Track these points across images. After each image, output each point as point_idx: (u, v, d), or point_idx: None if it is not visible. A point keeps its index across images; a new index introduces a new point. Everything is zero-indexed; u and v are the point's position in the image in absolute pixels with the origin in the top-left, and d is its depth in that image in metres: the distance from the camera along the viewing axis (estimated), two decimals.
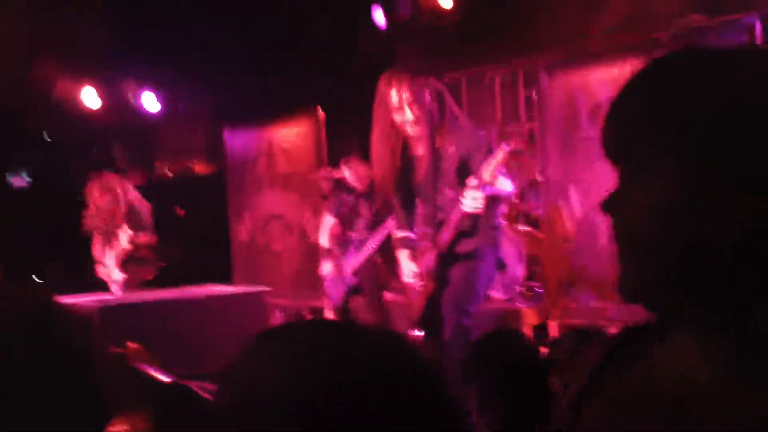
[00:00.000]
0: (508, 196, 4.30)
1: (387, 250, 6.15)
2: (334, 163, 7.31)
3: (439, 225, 4.25)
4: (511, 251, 6.65)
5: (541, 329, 6.43)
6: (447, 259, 4.26)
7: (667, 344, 0.94)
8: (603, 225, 6.08)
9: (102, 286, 7.20)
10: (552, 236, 6.48)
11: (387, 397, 0.77)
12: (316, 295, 7.69)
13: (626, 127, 0.96)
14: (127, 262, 7.31)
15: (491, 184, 4.02)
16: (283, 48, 8.95)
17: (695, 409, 0.86)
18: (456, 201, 4.09)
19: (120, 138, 9.98)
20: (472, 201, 3.99)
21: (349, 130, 7.12)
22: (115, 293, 7.07)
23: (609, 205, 0.96)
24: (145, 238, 7.28)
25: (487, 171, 3.95)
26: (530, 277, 6.88)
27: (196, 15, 8.72)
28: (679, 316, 0.92)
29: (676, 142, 0.90)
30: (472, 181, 4.00)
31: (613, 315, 5.92)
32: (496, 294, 6.80)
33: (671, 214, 0.90)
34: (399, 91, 4.12)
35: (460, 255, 4.24)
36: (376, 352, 0.81)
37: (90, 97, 9.15)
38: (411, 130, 4.21)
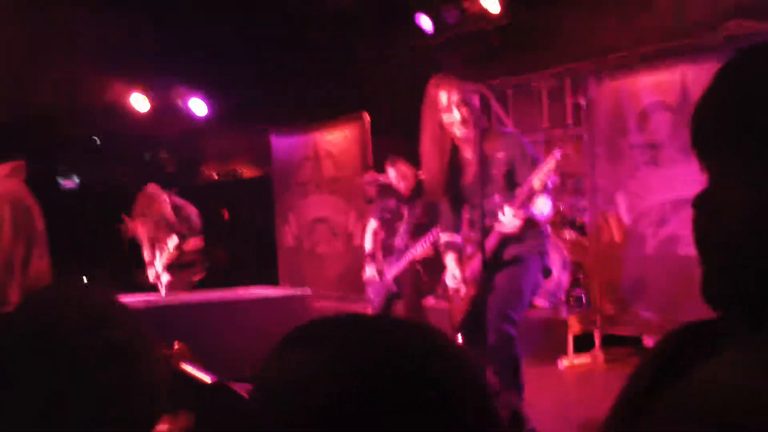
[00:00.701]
0: (545, 220, 4.23)
1: (431, 256, 6.16)
2: (380, 168, 7.33)
3: (485, 230, 4.22)
4: (555, 258, 6.60)
5: (584, 338, 6.37)
6: (492, 265, 4.23)
7: (737, 355, 0.85)
8: (649, 233, 6.04)
9: (150, 289, 7.32)
10: (598, 244, 6.40)
11: (418, 395, 0.75)
12: (360, 299, 7.71)
13: (717, 123, 0.90)
14: (174, 265, 7.46)
15: (540, 192, 3.98)
16: (329, 53, 9.00)
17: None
18: (502, 206, 4.08)
19: (168, 142, 10.12)
20: (510, 221, 3.99)
21: (394, 135, 7.13)
22: (163, 295, 7.20)
23: (699, 204, 0.91)
24: (192, 243, 7.45)
25: (537, 179, 3.92)
26: (575, 284, 6.82)
27: (244, 22, 8.82)
28: (758, 326, 0.85)
29: None
30: (519, 193, 3.98)
31: (659, 324, 5.85)
32: (540, 302, 6.76)
33: (765, 216, 0.83)
34: (448, 93, 4.12)
35: (505, 261, 4.21)
36: (411, 347, 0.79)
37: (139, 102, 9.31)
38: (459, 132, 4.19)
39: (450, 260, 4.41)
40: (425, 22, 8.62)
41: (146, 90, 9.25)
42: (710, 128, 0.90)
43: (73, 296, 1.31)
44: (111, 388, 1.22)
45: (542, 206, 4.07)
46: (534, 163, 4.03)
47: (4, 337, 1.25)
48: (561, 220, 7.21)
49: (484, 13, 8.18)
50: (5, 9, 7.55)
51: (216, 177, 11.35)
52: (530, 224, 4.14)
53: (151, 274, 7.53)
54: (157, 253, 7.51)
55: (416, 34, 8.75)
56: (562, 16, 7.61)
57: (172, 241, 7.27)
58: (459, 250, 4.40)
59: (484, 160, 4.18)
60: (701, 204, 0.90)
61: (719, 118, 0.89)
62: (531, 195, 3.99)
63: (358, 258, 7.82)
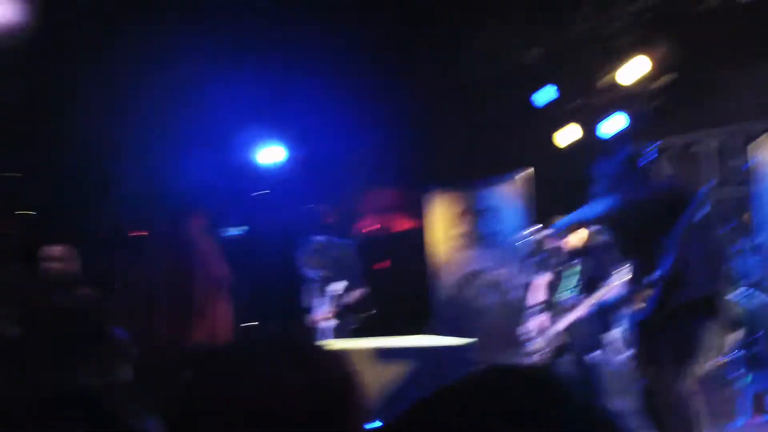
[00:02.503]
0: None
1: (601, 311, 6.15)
2: (543, 222, 7.39)
3: (659, 283, 4.21)
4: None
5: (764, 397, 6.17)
6: (662, 310, 4.18)
7: None
8: None
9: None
10: None
11: None
12: (516, 354, 7.72)
13: None
14: (339, 310, 7.77)
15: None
16: (493, 108, 9.18)
17: None
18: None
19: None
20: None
21: (557, 190, 7.19)
22: (326, 338, 7.47)
23: None
24: (357, 292, 7.79)
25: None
26: (753, 341, 6.62)
27: (404, 74, 9.14)
28: None
29: None
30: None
31: None
32: (715, 358, 6.59)
33: None
34: (616, 162, 4.20)
35: (678, 308, 4.17)
36: (554, 405, 0.78)
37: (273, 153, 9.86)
38: (633, 194, 4.25)
39: (624, 312, 4.42)
40: (541, 98, 8.75)
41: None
42: None
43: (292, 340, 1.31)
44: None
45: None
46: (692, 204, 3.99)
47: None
48: (733, 278, 7.04)
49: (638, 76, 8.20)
50: None
51: (373, 230, 11.63)
52: (701, 267, 4.11)
53: (316, 318, 7.86)
54: (323, 301, 7.85)
55: (576, 89, 8.85)
56: (725, 77, 7.55)
57: (341, 285, 7.59)
58: (637, 302, 4.39)
59: (667, 219, 4.21)
60: None
61: None
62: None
63: (515, 312, 7.85)
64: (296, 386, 1.19)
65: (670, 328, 4.18)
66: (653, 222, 4.27)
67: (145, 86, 8.13)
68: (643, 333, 4.28)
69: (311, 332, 7.58)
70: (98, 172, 8.54)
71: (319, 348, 1.31)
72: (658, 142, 4.46)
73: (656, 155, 4.37)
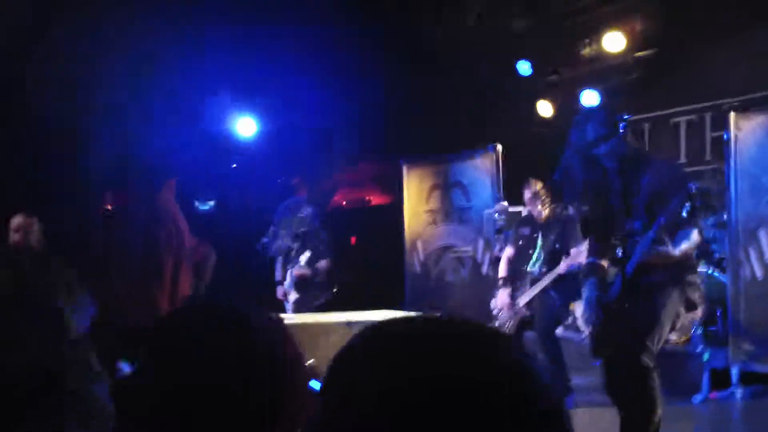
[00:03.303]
0: (685, 251, 4.15)
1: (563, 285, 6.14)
2: (510, 199, 7.38)
3: (625, 257, 4.18)
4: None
5: (722, 374, 6.19)
6: (629, 292, 4.18)
7: None
8: None
9: (276, 308, 7.52)
10: (737, 279, 6.23)
11: (464, 394, 0.74)
12: None
13: None
14: (303, 284, 7.69)
15: (681, 223, 3.94)
16: (465, 85, 9.13)
17: None
18: (643, 235, 4.04)
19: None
20: (649, 245, 3.95)
21: (526, 167, 7.16)
22: (289, 313, 7.41)
23: None
24: (324, 264, 7.69)
25: (677, 212, 3.87)
26: (712, 320, 6.64)
27: (379, 52, 9.08)
28: None
29: None
30: (658, 221, 3.94)
31: None
32: (673, 336, 6.61)
33: None
34: (596, 126, 4.16)
35: (643, 289, 4.16)
36: (468, 348, 0.78)
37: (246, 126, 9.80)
38: (607, 163, 4.22)
39: (588, 284, 4.39)
40: (523, 69, 8.71)
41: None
42: None
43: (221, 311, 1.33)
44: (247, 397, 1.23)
45: (682, 237, 4.02)
46: (681, 192, 3.97)
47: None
48: (698, 254, 7.04)
49: (618, 50, 8.17)
50: None
51: (345, 204, 11.61)
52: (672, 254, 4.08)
53: (279, 292, 7.80)
54: (288, 273, 7.78)
55: (553, 67, 8.80)
56: (705, 51, 7.52)
57: (305, 256, 7.51)
58: (600, 274, 4.35)
59: (629, 186, 4.18)
60: None
61: None
62: (673, 225, 3.94)
63: (484, 287, 7.84)
64: (233, 360, 1.23)
65: (632, 304, 4.17)
66: (629, 197, 4.24)
67: (116, 54, 8.05)
68: (605, 310, 4.25)
69: (267, 306, 7.52)
70: (68, 141, 8.46)
71: (266, 323, 1.33)
72: (628, 117, 4.38)
73: (625, 129, 4.30)
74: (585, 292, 4.38)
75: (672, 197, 3.90)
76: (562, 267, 5.95)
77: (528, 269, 6.41)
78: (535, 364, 0.81)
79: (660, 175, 4.10)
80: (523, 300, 6.36)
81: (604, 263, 4.31)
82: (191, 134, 9.10)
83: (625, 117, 4.29)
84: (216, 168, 10.17)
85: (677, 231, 4.02)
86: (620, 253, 4.17)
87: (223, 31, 8.69)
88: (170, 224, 6.12)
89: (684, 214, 3.83)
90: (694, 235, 4.10)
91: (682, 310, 4.23)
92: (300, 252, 7.67)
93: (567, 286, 5.99)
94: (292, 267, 7.70)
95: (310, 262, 7.61)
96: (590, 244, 4.49)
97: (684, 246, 4.03)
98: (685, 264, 4.20)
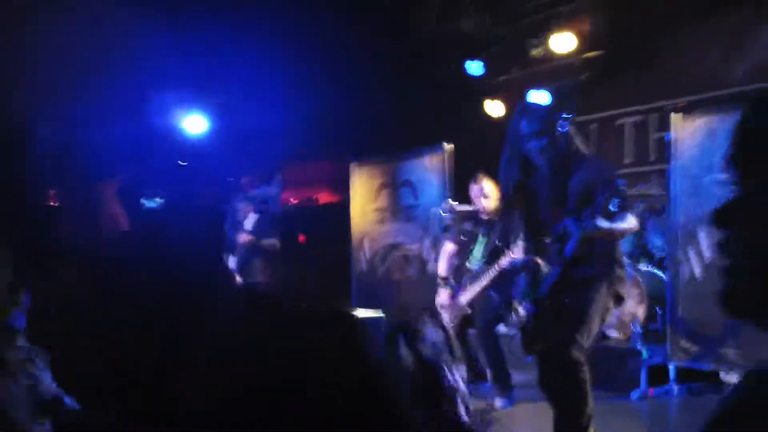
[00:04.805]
0: (618, 233, 4.18)
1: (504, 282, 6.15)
2: (458, 198, 7.38)
3: (557, 255, 4.20)
4: (632, 291, 6.52)
5: (659, 371, 6.27)
6: (560, 287, 4.19)
7: None
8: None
9: None
10: (676, 278, 6.31)
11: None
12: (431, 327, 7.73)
13: (747, 146, 0.99)
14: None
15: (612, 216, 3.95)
16: (409, 83, 9.14)
17: None
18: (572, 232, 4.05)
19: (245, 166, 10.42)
20: (584, 227, 3.96)
21: (474, 166, 7.17)
22: None
23: (724, 217, 0.97)
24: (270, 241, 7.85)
25: (604, 206, 3.89)
26: (651, 318, 6.72)
27: (327, 51, 9.04)
28: None
29: None
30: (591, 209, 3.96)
31: (735, 360, 5.72)
32: (614, 333, 6.68)
33: None
34: (530, 122, 4.18)
35: (572, 284, 4.18)
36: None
37: (195, 123, 9.75)
38: (538, 159, 4.23)
39: (522, 283, 4.40)
40: (473, 68, 8.77)
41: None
42: (743, 150, 1.00)
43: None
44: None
45: (618, 219, 4.03)
46: (611, 187, 3.98)
47: None
48: (639, 254, 7.14)
49: (567, 49, 8.24)
50: None
51: (294, 202, 11.56)
52: (600, 249, 4.11)
53: None
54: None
55: (500, 65, 8.85)
56: (650, 53, 7.61)
57: (250, 220, 7.67)
58: (534, 271, 4.37)
59: (558, 185, 4.20)
60: (727, 217, 0.98)
61: (751, 143, 0.98)
62: (603, 215, 3.95)
63: (431, 285, 7.85)
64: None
65: (562, 299, 4.18)
66: (559, 196, 4.25)
67: (61, 45, 7.90)
68: (537, 306, 4.26)
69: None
70: (7, 139, 8.30)
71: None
72: (570, 116, 4.39)
73: (567, 128, 4.32)
74: (518, 288, 4.41)
75: (598, 193, 3.92)
76: (503, 262, 5.96)
77: (468, 266, 6.43)
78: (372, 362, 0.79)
79: (588, 174, 4.12)
80: (465, 298, 6.36)
81: (538, 260, 4.33)
82: (135, 131, 8.99)
83: (564, 115, 4.31)
84: (162, 165, 10.07)
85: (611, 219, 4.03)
86: (554, 250, 4.20)
87: (172, 27, 8.58)
88: (108, 222, 6.03)
89: (612, 208, 3.85)
90: (631, 219, 4.13)
91: (610, 303, 4.25)
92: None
93: (508, 283, 5.99)
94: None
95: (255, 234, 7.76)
96: (524, 242, 4.52)
97: (622, 225, 4.05)
98: (613, 259, 4.23)
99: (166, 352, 1.23)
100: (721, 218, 0.98)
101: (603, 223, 3.91)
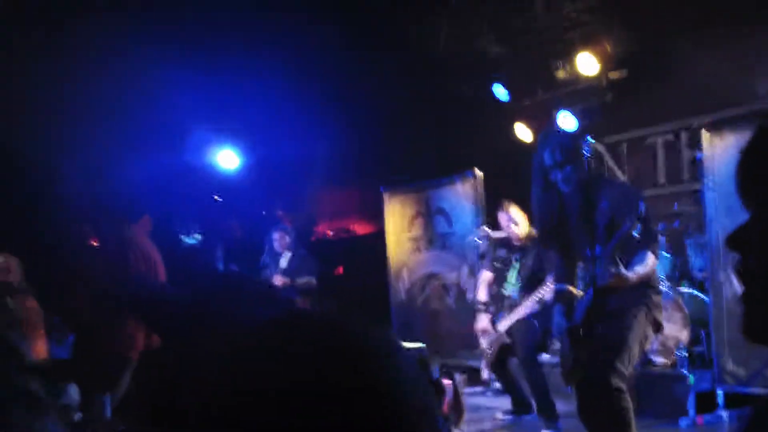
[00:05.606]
0: (643, 274, 4.11)
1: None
2: (492, 224, 7.34)
3: (589, 282, 4.15)
4: (674, 314, 6.42)
5: (708, 397, 6.14)
6: (594, 316, 4.14)
7: None
8: None
9: None
10: (719, 299, 6.20)
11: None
12: (471, 356, 7.71)
13: (757, 171, 0.99)
14: None
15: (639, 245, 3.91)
16: (441, 112, 9.14)
17: None
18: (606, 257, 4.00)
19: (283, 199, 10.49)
20: (603, 269, 3.91)
21: (505, 191, 7.14)
22: None
23: (735, 242, 0.95)
24: (305, 280, 7.90)
25: (628, 233, 3.83)
26: (696, 341, 6.60)
27: (359, 81, 9.08)
28: None
29: None
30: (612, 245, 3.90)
31: None
32: (659, 359, 6.57)
33: None
34: (552, 152, 4.15)
35: (608, 313, 4.12)
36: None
37: (228, 159, 9.83)
38: (565, 188, 4.20)
39: (557, 312, 4.36)
40: (500, 93, 8.75)
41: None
42: (754, 174, 1.00)
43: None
44: None
45: (637, 261, 3.99)
46: (636, 214, 3.92)
47: None
48: (680, 276, 7.03)
49: (594, 71, 8.18)
50: None
51: (330, 233, 11.58)
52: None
53: None
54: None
55: (529, 89, 8.82)
56: (679, 71, 7.54)
57: (285, 259, 7.74)
58: (570, 300, 4.32)
59: (587, 211, 4.16)
60: (738, 243, 0.96)
61: (762, 167, 0.98)
62: (626, 247, 3.90)
63: (469, 314, 7.80)
64: None
65: (598, 328, 4.13)
66: (588, 222, 4.21)
67: (95, 85, 8.04)
68: (571, 335, 4.21)
69: None
70: (44, 174, 8.43)
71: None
72: (590, 140, 4.37)
73: (590, 152, 4.29)
74: (554, 318, 4.36)
75: (623, 220, 3.87)
76: (545, 293, 5.90)
77: (505, 293, 6.39)
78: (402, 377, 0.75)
79: (613, 199, 4.08)
80: (503, 326, 6.30)
81: (572, 289, 4.28)
82: (170, 168, 9.08)
83: (588, 140, 4.29)
84: (199, 201, 10.16)
85: (632, 254, 3.99)
86: (586, 278, 4.15)
87: (203, 65, 8.69)
88: (140, 259, 6.06)
89: (635, 234, 3.80)
90: (650, 259, 4.07)
91: (649, 331, 4.19)
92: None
93: (547, 312, 5.94)
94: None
95: (291, 273, 7.81)
96: (556, 270, 4.48)
97: (639, 269, 3.99)
98: (649, 285, 4.17)
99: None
100: (734, 244, 0.96)
101: (620, 270, 3.87)
